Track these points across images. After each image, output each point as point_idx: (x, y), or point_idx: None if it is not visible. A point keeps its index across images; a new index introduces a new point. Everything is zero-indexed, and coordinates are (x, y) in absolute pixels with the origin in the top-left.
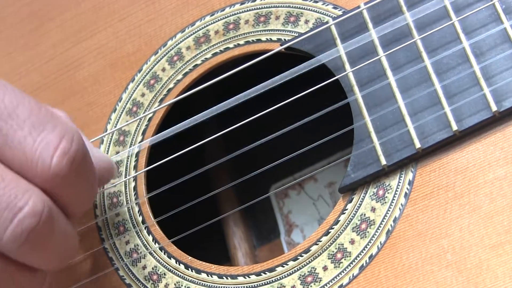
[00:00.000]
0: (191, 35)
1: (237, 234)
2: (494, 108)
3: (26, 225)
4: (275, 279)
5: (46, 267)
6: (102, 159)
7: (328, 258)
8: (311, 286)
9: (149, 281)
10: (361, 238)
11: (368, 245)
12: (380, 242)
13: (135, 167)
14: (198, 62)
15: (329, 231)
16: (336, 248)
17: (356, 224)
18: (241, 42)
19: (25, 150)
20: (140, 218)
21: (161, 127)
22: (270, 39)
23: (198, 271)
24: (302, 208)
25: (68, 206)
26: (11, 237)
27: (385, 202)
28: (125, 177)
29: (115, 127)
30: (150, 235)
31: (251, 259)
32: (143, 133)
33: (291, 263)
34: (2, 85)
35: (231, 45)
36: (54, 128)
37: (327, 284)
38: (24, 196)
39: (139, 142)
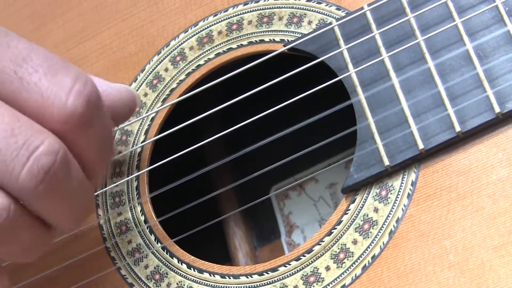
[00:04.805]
0: (194, 35)
1: (238, 235)
2: (497, 109)
3: (42, 163)
4: (277, 279)
5: (59, 222)
6: (122, 89)
7: (331, 258)
8: (313, 286)
9: (151, 281)
10: (363, 238)
11: (371, 245)
12: (383, 242)
13: (138, 167)
14: (201, 62)
15: (332, 231)
16: (338, 248)
17: (359, 224)
18: (244, 42)
19: (41, 91)
20: (142, 218)
21: (163, 127)
22: (273, 39)
23: (201, 271)
24: (302, 209)
25: (84, 157)
26: (28, 175)
27: (388, 203)
28: (128, 176)
29: (118, 126)
30: (153, 235)
31: (251, 260)
32: (146, 132)
33: (293, 263)
34: (15, 36)
35: (234, 46)
36: (68, 72)
37: (330, 284)
38: (40, 136)
39: (142, 142)
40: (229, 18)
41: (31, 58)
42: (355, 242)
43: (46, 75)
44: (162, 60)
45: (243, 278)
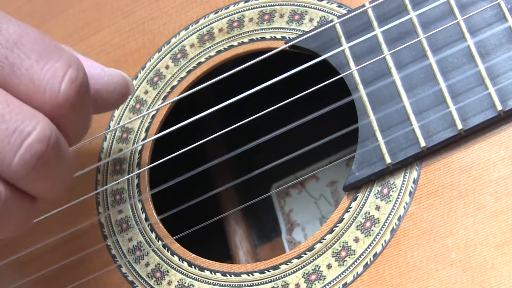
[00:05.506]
0: (195, 32)
1: (239, 233)
2: (499, 107)
3: (35, 150)
4: (278, 277)
5: (47, 195)
6: (114, 74)
7: (332, 256)
8: (315, 284)
9: (152, 279)
10: (365, 236)
11: (373, 243)
12: (385, 240)
13: (139, 165)
14: (202, 59)
15: (333, 229)
16: (340, 246)
17: (361, 222)
18: (245, 40)
19: (33, 77)
20: (143, 216)
21: (164, 125)
22: (275, 37)
23: (202, 269)
24: (303, 207)
25: (70, 135)
26: (20, 162)
27: (390, 201)
28: (129, 174)
29: (118, 124)
30: (153, 233)
31: (252, 258)
32: (147, 130)
33: (295, 261)
34: (6, 17)
35: (235, 43)
36: (60, 57)
37: (331, 282)
38: (32, 122)
39: (143, 140)
40: (230, 15)
41: (23, 42)
42: (356, 240)
43: (38, 61)
44: (163, 58)
45: (244, 276)
